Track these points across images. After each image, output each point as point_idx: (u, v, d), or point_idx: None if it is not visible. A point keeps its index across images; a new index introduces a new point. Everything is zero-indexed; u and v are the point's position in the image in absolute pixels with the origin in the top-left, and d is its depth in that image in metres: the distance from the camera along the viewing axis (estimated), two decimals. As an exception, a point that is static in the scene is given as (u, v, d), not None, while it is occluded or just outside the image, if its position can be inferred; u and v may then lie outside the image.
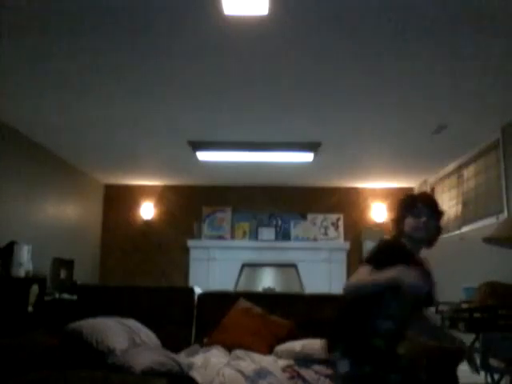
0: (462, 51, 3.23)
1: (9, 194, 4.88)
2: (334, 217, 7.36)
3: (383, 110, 4.33)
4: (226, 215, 7.38)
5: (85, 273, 6.53)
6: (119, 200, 7.48)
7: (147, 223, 7.39)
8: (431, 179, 6.70)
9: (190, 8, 2.78)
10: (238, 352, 2.94)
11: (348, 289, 1.97)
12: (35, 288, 4.34)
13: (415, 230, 2.07)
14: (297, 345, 2.87)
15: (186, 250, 7.21)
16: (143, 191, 7.49)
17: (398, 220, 2.15)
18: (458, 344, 2.21)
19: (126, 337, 2.79)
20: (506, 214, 4.55)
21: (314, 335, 2.97)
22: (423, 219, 2.07)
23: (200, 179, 7.13)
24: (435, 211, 2.13)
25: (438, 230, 2.15)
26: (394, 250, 2.07)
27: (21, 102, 4.27)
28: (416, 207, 2.10)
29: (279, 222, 7.36)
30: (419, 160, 5.94)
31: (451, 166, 5.99)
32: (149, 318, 3.19)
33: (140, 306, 3.32)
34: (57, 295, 5.12)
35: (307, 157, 5.62)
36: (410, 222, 2.09)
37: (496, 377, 3.61)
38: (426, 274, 2.05)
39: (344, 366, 1.96)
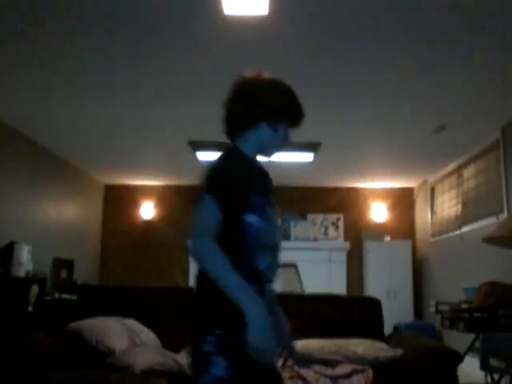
0: (461, 51, 3.23)
1: (9, 193, 4.88)
2: (333, 217, 7.36)
3: (383, 110, 4.33)
4: (226, 215, 7.37)
5: (85, 273, 6.53)
6: (119, 200, 7.48)
7: (147, 223, 7.39)
8: (431, 179, 6.70)
9: (190, 8, 2.78)
10: (238, 352, 2.93)
11: (201, 253, 1.34)
12: (35, 288, 4.34)
13: (269, 145, 1.59)
14: (297, 345, 2.86)
15: (185, 250, 7.21)
16: (143, 191, 7.49)
17: (253, 117, 1.52)
18: None
19: (125, 337, 2.78)
20: (506, 213, 4.55)
21: (314, 335, 2.97)
22: (287, 136, 1.61)
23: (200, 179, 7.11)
24: None
25: None
26: (240, 175, 1.43)
27: (21, 101, 4.27)
28: (295, 120, 1.61)
29: (279, 222, 7.35)
30: (419, 160, 5.94)
31: (451, 166, 5.99)
32: (149, 318, 3.19)
33: (140, 306, 3.31)
34: (57, 295, 5.12)
35: (307, 157, 5.62)
36: (268, 132, 1.52)
37: (496, 377, 3.61)
38: None
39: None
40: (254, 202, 1.39)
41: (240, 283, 1.22)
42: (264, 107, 1.48)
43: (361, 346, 2.77)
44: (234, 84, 1.59)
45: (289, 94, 1.58)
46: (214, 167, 1.41)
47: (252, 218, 1.37)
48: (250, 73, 1.61)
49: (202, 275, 1.33)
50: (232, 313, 1.21)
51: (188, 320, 1.43)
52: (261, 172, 1.55)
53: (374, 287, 6.69)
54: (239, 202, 1.36)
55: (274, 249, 1.45)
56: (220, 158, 1.44)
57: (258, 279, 1.36)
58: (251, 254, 1.35)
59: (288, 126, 1.56)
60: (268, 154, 1.60)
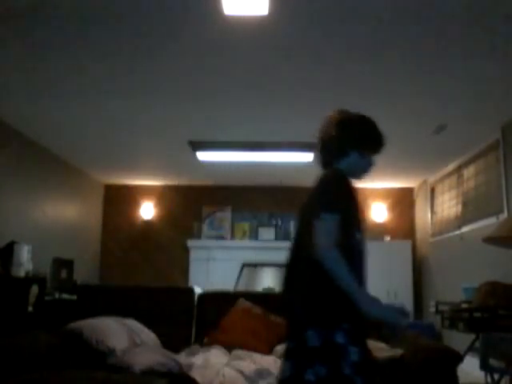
0: (461, 51, 3.24)
1: (9, 194, 4.88)
2: (334, 217, 7.35)
3: (383, 110, 4.33)
4: (225, 215, 7.38)
5: (85, 273, 6.53)
6: (119, 200, 7.48)
7: (147, 223, 7.39)
8: (431, 179, 6.70)
9: (190, 8, 2.78)
10: (238, 352, 2.94)
11: (331, 261, 1.56)
12: (35, 288, 4.34)
13: (357, 172, 1.83)
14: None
15: (185, 250, 7.21)
16: (143, 191, 7.49)
17: (345, 145, 1.81)
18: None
19: (125, 337, 2.78)
20: (505, 213, 4.55)
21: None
22: (372, 163, 1.86)
23: (200, 179, 7.13)
24: None
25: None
26: (350, 190, 1.69)
27: (21, 102, 4.27)
28: (378, 147, 1.89)
29: (279, 222, 7.36)
30: (419, 160, 5.94)
31: (451, 166, 5.99)
32: (149, 318, 3.19)
33: (140, 306, 3.31)
34: (57, 295, 5.12)
35: (307, 157, 5.62)
36: (357, 159, 1.81)
37: (496, 377, 3.61)
38: None
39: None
40: (359, 219, 1.67)
41: (359, 289, 1.53)
42: (355, 139, 1.79)
43: (361, 346, 2.76)
44: (328, 120, 1.85)
45: (374, 127, 1.88)
46: (329, 188, 1.66)
47: (359, 234, 1.64)
48: (339, 109, 1.88)
49: (319, 282, 1.56)
50: (354, 310, 1.48)
51: (297, 320, 1.61)
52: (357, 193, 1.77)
53: (373, 287, 6.64)
54: (353, 220, 1.63)
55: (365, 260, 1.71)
56: (331, 180, 1.70)
57: (361, 284, 1.62)
58: (358, 265, 1.63)
59: (372, 153, 1.86)
60: (357, 178, 1.82)
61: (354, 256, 1.60)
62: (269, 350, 2.98)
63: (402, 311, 1.92)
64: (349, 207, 1.63)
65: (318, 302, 1.57)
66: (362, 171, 1.83)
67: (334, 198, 1.61)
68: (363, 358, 1.53)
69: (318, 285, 1.57)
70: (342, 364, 1.50)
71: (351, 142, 1.78)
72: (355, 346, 1.52)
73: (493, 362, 3.73)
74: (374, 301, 1.53)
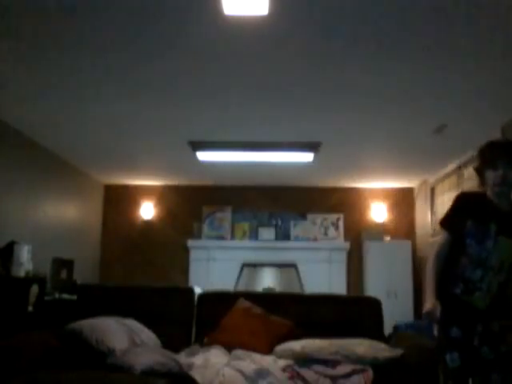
0: (462, 51, 3.23)
1: (9, 193, 4.88)
2: (334, 217, 7.36)
3: (383, 110, 4.33)
4: (225, 215, 7.38)
5: (85, 273, 6.53)
6: (119, 200, 7.48)
7: (147, 223, 7.39)
8: (431, 179, 6.70)
9: (190, 8, 2.78)
10: (238, 352, 2.94)
11: (426, 270, 2.19)
12: (35, 288, 4.34)
13: (494, 184, 2.07)
14: (297, 345, 2.87)
15: (186, 250, 7.21)
16: (143, 191, 7.49)
17: (480, 173, 2.17)
18: None
19: (125, 337, 2.79)
20: (506, 213, 4.54)
21: (314, 335, 2.97)
22: (500, 172, 2.03)
23: (200, 179, 7.13)
24: None
25: None
26: (468, 203, 2.16)
27: (21, 101, 4.27)
28: (493, 159, 2.07)
29: (279, 222, 7.36)
30: (419, 160, 5.94)
31: (451, 166, 5.99)
32: (149, 318, 3.19)
33: (140, 306, 3.32)
34: (57, 295, 5.12)
35: (307, 157, 5.62)
36: (488, 175, 2.09)
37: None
38: None
39: (435, 330, 2.19)
40: (470, 227, 2.09)
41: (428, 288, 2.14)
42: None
43: (361, 346, 2.77)
44: None
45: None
46: None
47: (469, 241, 2.10)
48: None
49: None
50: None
51: None
52: (485, 204, 2.14)
53: (373, 287, 6.69)
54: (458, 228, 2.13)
55: (488, 267, 2.08)
56: None
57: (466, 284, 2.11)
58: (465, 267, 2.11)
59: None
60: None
61: (464, 257, 2.16)
62: (269, 350, 2.98)
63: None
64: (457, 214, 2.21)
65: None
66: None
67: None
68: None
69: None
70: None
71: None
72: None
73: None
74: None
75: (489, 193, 2.13)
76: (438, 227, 6.61)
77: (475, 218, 2.10)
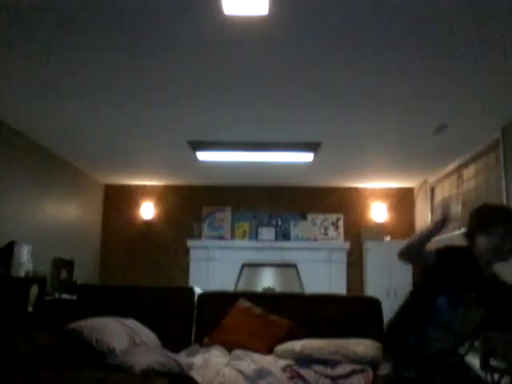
0: (461, 51, 3.23)
1: (9, 193, 4.88)
2: (334, 217, 7.36)
3: (383, 110, 4.33)
4: (225, 215, 7.38)
5: (85, 273, 6.53)
6: (119, 200, 7.48)
7: (147, 223, 7.39)
8: (431, 179, 6.70)
9: (190, 8, 2.78)
10: (238, 352, 2.94)
11: (400, 252, 1.95)
12: (35, 288, 4.34)
13: (486, 250, 1.94)
14: (297, 345, 2.87)
15: (186, 250, 7.21)
16: (143, 191, 7.49)
17: (470, 233, 2.03)
18: None
19: (125, 337, 2.79)
20: (505, 213, 4.54)
21: (314, 335, 2.97)
22: (495, 239, 1.91)
23: (200, 179, 7.13)
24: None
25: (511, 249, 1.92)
26: (460, 257, 1.98)
27: (21, 101, 4.27)
28: (488, 226, 1.94)
29: (279, 222, 7.36)
30: (419, 160, 5.94)
31: (451, 166, 5.99)
32: (149, 318, 3.19)
33: (140, 306, 3.32)
34: (57, 295, 5.12)
35: (307, 157, 5.62)
36: (481, 240, 1.95)
37: (496, 377, 3.61)
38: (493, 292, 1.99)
39: (385, 369, 2.01)
40: (448, 289, 1.95)
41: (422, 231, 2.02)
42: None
43: (361, 346, 2.77)
44: None
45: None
46: None
47: (442, 302, 1.94)
48: None
49: None
50: None
51: None
52: (471, 266, 1.99)
53: (373, 287, 6.69)
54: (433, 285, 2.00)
55: (452, 331, 1.98)
56: None
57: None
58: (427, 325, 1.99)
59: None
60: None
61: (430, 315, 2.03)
62: (269, 350, 2.98)
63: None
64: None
65: None
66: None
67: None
68: None
69: None
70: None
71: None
72: None
73: (493, 361, 3.73)
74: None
75: (477, 254, 1.97)
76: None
77: (458, 284, 1.95)
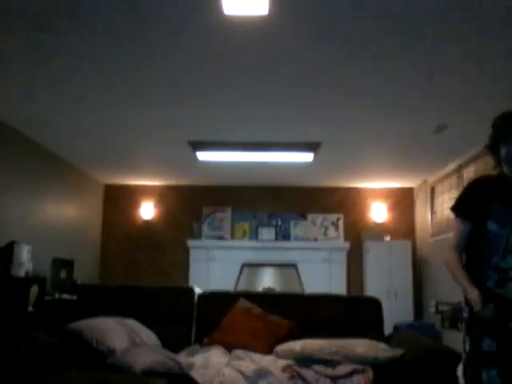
0: (461, 51, 3.23)
1: (9, 193, 4.88)
2: (333, 217, 7.36)
3: (383, 110, 4.33)
4: (225, 215, 7.38)
5: (85, 273, 6.53)
6: (119, 200, 7.48)
7: (147, 223, 7.39)
8: (431, 179, 6.70)
9: (190, 8, 2.78)
10: (238, 352, 2.94)
11: (446, 265, 2.01)
12: (35, 288, 4.34)
13: (509, 158, 1.91)
14: (297, 345, 2.87)
15: (186, 250, 7.21)
16: (143, 191, 7.49)
17: (493, 148, 1.98)
18: None
19: (125, 337, 2.79)
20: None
21: (314, 335, 2.97)
22: None
23: (200, 179, 7.13)
24: None
25: None
26: (486, 184, 1.98)
27: (21, 101, 4.27)
28: (509, 132, 1.89)
29: (279, 222, 7.36)
30: (419, 160, 5.94)
31: (451, 166, 5.99)
32: (149, 318, 3.19)
33: (140, 306, 3.32)
34: (57, 295, 5.12)
35: (307, 157, 5.62)
36: (503, 149, 1.91)
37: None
38: None
39: (465, 313, 2.00)
40: (491, 211, 1.90)
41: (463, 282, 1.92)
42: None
43: (361, 346, 2.77)
44: None
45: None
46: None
47: (492, 226, 1.88)
48: None
49: None
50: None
51: None
52: (505, 183, 1.95)
53: (373, 287, 6.69)
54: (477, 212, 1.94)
55: None
56: None
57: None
58: (491, 256, 1.90)
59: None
60: None
61: (487, 244, 1.94)
62: (269, 350, 2.98)
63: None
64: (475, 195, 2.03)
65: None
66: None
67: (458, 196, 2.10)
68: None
69: None
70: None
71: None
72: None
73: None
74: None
75: (506, 171, 1.94)
76: (437, 227, 6.60)
77: (498, 199, 1.90)
